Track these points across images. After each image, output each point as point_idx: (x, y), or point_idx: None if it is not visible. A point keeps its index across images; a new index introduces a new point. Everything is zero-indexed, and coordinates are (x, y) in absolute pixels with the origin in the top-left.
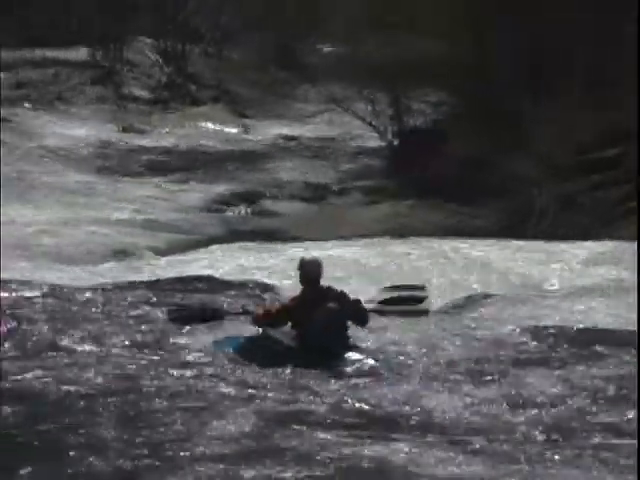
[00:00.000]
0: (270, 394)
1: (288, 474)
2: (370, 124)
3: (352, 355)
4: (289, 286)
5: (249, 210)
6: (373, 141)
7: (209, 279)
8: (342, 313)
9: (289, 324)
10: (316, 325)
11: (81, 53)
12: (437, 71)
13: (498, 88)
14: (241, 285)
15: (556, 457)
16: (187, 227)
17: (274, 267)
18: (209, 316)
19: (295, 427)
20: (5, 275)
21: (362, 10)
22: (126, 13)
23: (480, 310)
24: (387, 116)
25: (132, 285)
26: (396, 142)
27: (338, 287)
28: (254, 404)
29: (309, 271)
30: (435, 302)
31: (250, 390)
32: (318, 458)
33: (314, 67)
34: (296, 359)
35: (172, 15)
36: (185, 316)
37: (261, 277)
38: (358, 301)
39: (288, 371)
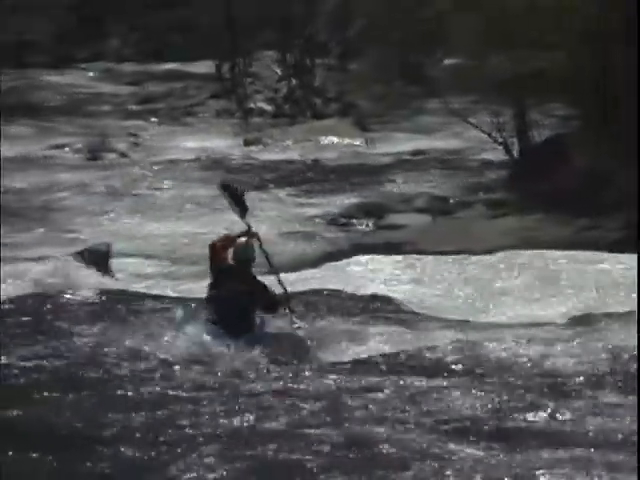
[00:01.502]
0: None
1: None
2: (495, 137)
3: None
4: (415, 300)
5: (374, 223)
6: (498, 154)
7: (336, 293)
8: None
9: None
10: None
11: (206, 67)
12: (562, 85)
13: (623, 101)
14: (367, 299)
15: None
16: (313, 240)
17: (400, 281)
18: None
19: None
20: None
21: (487, 25)
22: (253, 27)
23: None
24: (512, 129)
25: None
26: (521, 155)
27: None
28: None
29: (240, 253)
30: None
31: None
32: None
33: (439, 80)
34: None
35: (299, 29)
36: None
37: (386, 291)
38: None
39: None
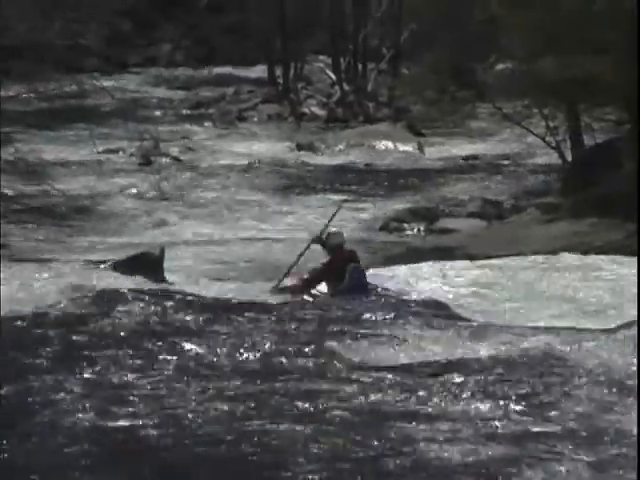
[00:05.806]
0: None
1: None
2: (548, 142)
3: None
4: (467, 305)
5: (426, 228)
6: (551, 158)
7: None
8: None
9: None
10: (349, 277)
11: (259, 71)
12: (614, 89)
13: None
14: (418, 303)
15: None
16: (366, 244)
17: (450, 285)
18: None
19: None
20: None
21: (539, 29)
22: (305, 32)
23: None
24: (565, 133)
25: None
26: (574, 160)
27: None
28: None
29: (334, 241)
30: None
31: None
32: None
33: (491, 85)
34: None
35: (351, 34)
36: None
37: (437, 296)
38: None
39: None
